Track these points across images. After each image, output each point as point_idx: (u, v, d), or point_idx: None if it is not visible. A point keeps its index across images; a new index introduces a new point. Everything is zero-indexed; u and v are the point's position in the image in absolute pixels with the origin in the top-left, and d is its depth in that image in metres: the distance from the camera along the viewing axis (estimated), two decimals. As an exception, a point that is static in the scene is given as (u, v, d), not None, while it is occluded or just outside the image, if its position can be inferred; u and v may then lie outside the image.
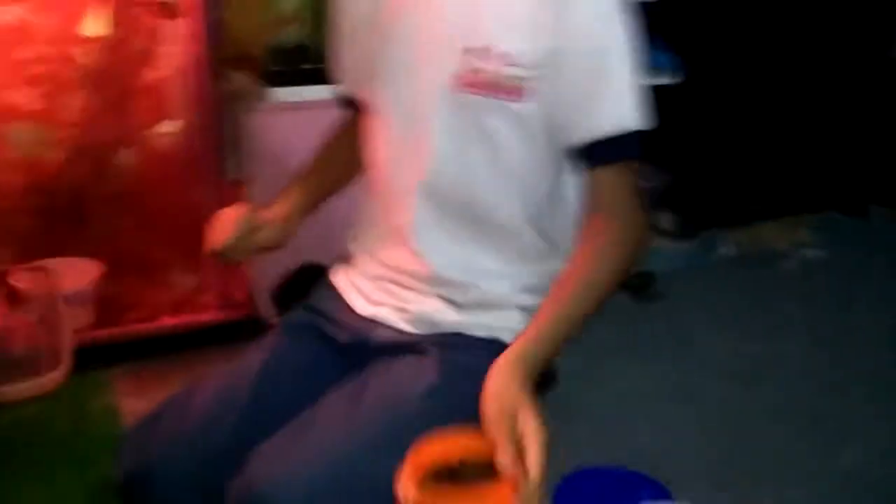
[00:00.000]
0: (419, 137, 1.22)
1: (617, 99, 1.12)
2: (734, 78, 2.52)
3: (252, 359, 1.38)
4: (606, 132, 1.11)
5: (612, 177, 1.14)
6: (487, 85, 1.14)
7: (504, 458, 0.93)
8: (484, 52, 1.13)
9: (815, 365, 1.83)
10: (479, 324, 1.34)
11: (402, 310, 1.35)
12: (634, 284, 2.20)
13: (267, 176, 1.97)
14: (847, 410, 1.66)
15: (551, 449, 0.90)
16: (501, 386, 1.00)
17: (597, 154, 1.13)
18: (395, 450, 1.21)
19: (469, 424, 1.29)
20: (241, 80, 2.00)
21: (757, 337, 1.97)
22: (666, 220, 2.55)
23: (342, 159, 1.42)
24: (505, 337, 1.38)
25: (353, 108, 1.35)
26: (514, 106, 1.14)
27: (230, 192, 1.96)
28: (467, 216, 1.26)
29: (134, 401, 1.69)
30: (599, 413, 1.64)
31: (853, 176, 2.88)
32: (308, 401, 1.30)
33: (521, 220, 1.25)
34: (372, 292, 1.38)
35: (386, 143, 1.28)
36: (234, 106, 2.00)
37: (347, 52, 1.32)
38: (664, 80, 2.12)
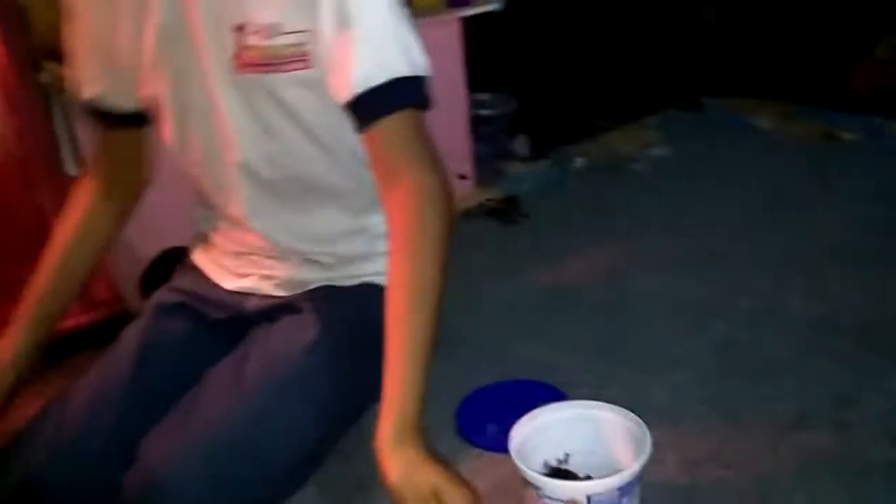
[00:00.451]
0: (219, 126, 1.18)
1: (373, 48, 1.05)
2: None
3: (124, 348, 1.35)
4: (370, 83, 1.04)
5: (390, 129, 1.06)
6: (267, 59, 1.10)
7: None
8: (249, 27, 1.08)
9: (676, 253, 1.92)
10: (346, 275, 1.35)
11: (268, 277, 1.34)
12: (500, 210, 2.25)
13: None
14: (709, 289, 1.75)
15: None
16: (404, 468, 0.94)
17: (367, 108, 1.06)
18: (285, 411, 1.21)
19: (351, 371, 1.30)
20: (56, 71, 1.90)
21: (619, 237, 2.04)
22: (519, 144, 2.60)
23: (84, 255, 1.34)
24: (376, 279, 1.39)
25: (106, 118, 1.27)
26: (301, 73, 1.10)
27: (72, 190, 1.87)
28: (297, 188, 1.25)
29: (7, 418, 1.60)
30: (481, 336, 1.67)
31: (684, 72, 3.01)
32: (188, 381, 1.28)
33: (349, 179, 1.24)
34: (236, 266, 1.36)
35: (187, 142, 1.23)
36: (56, 99, 1.90)
37: (95, 55, 1.23)
38: (486, 8, 2.13)
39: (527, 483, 1.10)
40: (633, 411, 1.15)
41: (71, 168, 1.86)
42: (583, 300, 1.76)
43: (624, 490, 1.06)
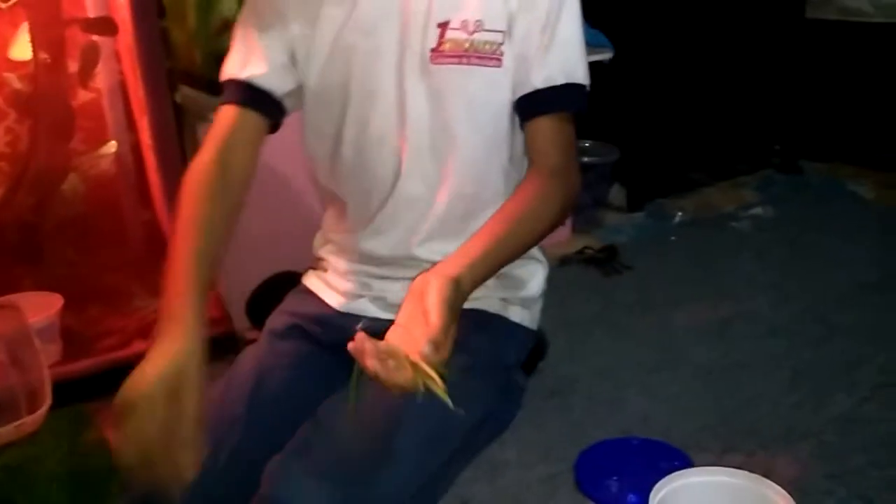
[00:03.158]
0: (398, 115, 1.22)
1: (564, 51, 1.18)
2: (662, 50, 2.57)
3: (241, 372, 1.35)
4: (551, 82, 1.17)
5: (551, 125, 1.19)
6: (465, 52, 1.18)
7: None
8: (453, 22, 1.17)
9: (786, 318, 1.89)
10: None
11: (379, 298, 1.35)
12: (600, 259, 2.23)
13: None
14: (828, 359, 1.71)
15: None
16: (450, 299, 1.01)
17: (539, 103, 1.19)
18: (408, 451, 1.21)
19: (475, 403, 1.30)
20: (186, 91, 1.94)
21: (726, 296, 2.01)
22: (616, 194, 2.59)
23: (224, 217, 1.22)
24: (489, 307, 1.40)
25: (251, 96, 1.25)
26: (491, 71, 1.18)
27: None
28: (454, 191, 1.26)
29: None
30: (593, 388, 1.65)
31: (784, 135, 2.98)
32: (305, 403, 1.28)
33: (497, 192, 1.26)
34: (348, 288, 1.37)
35: (349, 130, 1.25)
36: (184, 119, 1.94)
37: (276, 40, 1.25)
38: (596, 58, 2.14)
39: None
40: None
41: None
42: (694, 359, 1.74)
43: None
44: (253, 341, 1.47)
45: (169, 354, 1.02)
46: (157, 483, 1.01)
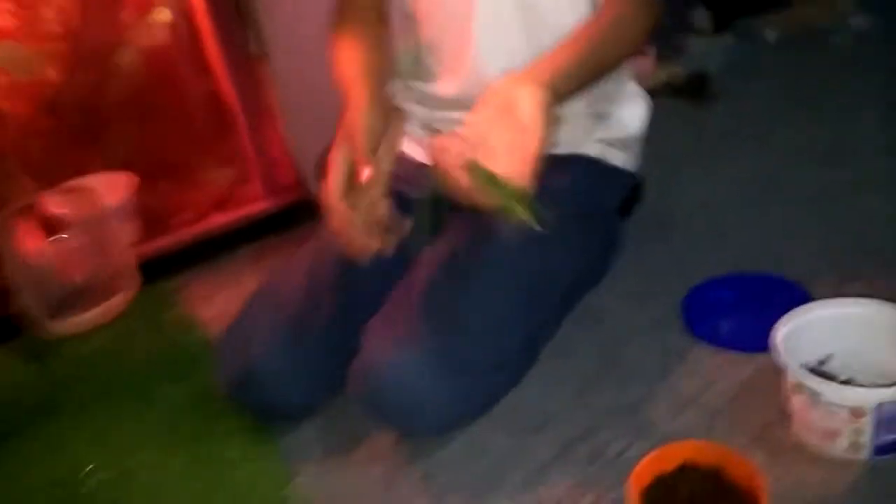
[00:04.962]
0: None
1: None
2: None
3: (329, 235, 1.30)
4: None
5: None
6: None
7: None
8: None
9: (888, 135, 1.72)
10: (560, 144, 1.26)
11: None
12: (688, 89, 2.08)
13: (283, 48, 1.82)
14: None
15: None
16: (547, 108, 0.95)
17: None
18: (506, 296, 1.15)
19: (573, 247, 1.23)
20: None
21: (830, 117, 1.85)
22: (699, 16, 2.39)
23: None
24: (590, 150, 1.30)
25: None
26: None
27: (253, 71, 1.81)
28: (529, 24, 1.19)
29: (206, 306, 1.61)
30: (693, 224, 1.54)
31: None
32: (400, 263, 1.23)
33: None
34: (427, 137, 1.29)
35: None
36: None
37: None
38: None
39: (798, 387, 1.00)
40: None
41: (253, 47, 1.79)
42: (801, 185, 1.60)
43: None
44: None
45: (343, 153, 1.10)
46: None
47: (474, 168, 0.92)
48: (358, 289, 1.25)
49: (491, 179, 0.92)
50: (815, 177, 1.62)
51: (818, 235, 1.44)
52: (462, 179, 0.93)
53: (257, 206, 1.86)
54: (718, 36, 2.35)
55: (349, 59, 1.20)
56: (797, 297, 1.25)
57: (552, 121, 0.94)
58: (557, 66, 1.01)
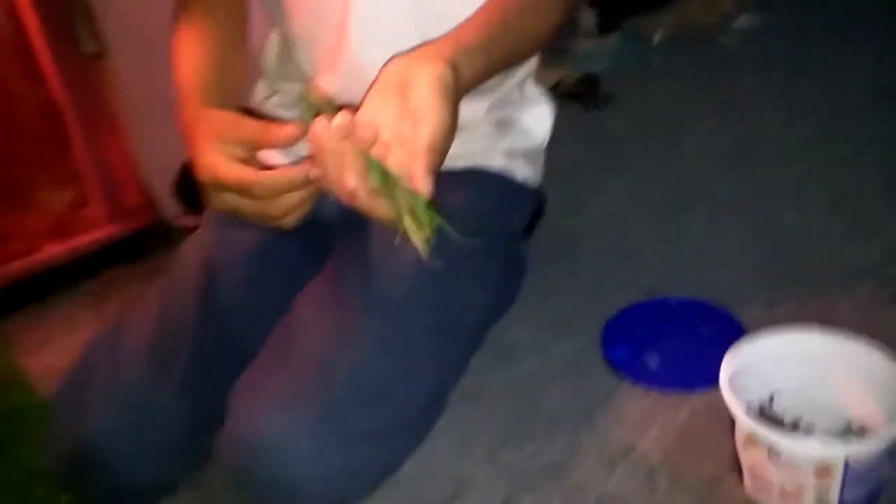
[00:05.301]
0: None
1: None
2: None
3: (185, 269, 1.09)
4: None
5: None
6: None
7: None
8: None
9: (805, 138, 1.63)
10: (454, 153, 1.08)
11: None
12: (580, 92, 1.94)
13: (126, 46, 1.57)
14: (865, 177, 1.47)
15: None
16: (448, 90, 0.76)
17: None
18: (406, 344, 0.97)
19: (478, 282, 1.06)
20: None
21: (732, 118, 1.75)
22: (586, 17, 2.27)
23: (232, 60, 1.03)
24: (492, 163, 1.15)
25: None
26: None
27: (90, 73, 1.55)
28: (418, 7, 1.01)
29: (37, 357, 1.35)
30: (603, 241, 1.39)
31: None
32: (269, 306, 1.03)
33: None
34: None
35: None
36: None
37: None
38: None
39: (752, 440, 0.85)
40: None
41: (89, 45, 1.53)
42: (713, 193, 1.48)
43: (893, 452, 0.81)
44: (188, 230, 1.21)
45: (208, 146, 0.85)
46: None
47: (367, 164, 0.73)
48: (224, 335, 1.03)
49: (384, 178, 0.73)
50: (726, 185, 1.50)
51: (738, 252, 1.31)
52: (348, 178, 0.73)
53: (99, 232, 1.61)
54: (605, 37, 2.23)
55: (189, 59, 0.98)
56: (727, 325, 1.13)
57: (453, 105, 0.76)
58: (462, 42, 0.83)
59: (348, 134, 0.73)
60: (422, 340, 0.96)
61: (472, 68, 0.82)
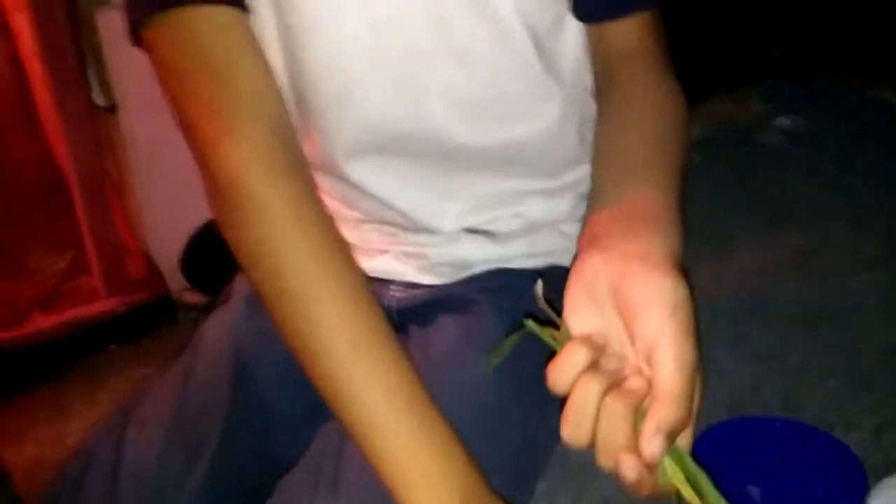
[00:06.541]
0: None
1: None
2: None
3: (210, 356, 0.95)
4: None
5: (641, 23, 0.92)
6: None
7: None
8: None
9: (878, 245, 1.52)
10: (527, 253, 0.97)
11: (413, 255, 0.94)
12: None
13: (139, 100, 1.46)
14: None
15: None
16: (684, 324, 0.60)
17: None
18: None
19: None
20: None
21: (788, 222, 1.65)
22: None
23: None
24: (564, 259, 1.02)
25: None
26: None
27: (97, 129, 1.44)
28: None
29: (19, 449, 1.20)
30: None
31: (792, 43, 2.66)
32: (313, 405, 0.88)
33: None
34: (364, 240, 0.96)
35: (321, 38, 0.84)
36: (79, 10, 1.45)
37: None
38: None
39: None
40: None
41: (99, 97, 1.42)
42: (783, 304, 1.36)
43: None
44: (195, 308, 1.07)
45: None
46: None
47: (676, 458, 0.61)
48: (253, 434, 0.90)
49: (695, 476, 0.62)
50: (796, 294, 1.38)
51: (829, 366, 1.18)
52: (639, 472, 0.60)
53: (97, 305, 1.48)
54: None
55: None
56: (832, 450, 0.98)
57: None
58: (665, 224, 0.72)
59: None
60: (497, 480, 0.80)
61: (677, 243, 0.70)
